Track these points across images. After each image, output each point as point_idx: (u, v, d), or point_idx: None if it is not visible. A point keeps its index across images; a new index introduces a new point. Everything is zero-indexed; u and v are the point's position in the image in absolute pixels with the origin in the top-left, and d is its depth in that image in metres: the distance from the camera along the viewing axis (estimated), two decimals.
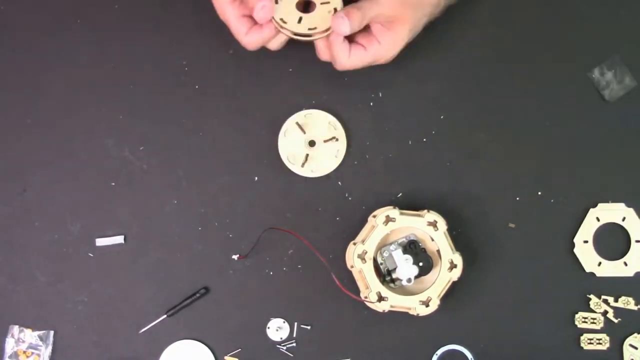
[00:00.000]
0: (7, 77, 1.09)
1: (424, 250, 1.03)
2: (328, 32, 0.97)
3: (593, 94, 1.09)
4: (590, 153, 1.08)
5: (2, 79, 1.09)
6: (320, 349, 1.07)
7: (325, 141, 1.07)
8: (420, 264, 1.02)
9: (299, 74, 1.09)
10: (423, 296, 1.01)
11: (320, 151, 1.07)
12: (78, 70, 1.09)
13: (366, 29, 0.98)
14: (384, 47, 0.98)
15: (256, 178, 1.08)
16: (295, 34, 0.97)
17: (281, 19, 0.97)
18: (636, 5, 1.10)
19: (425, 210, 1.02)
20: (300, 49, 1.01)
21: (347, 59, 0.98)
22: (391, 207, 1.03)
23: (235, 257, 1.06)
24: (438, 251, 1.03)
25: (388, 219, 1.02)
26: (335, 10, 0.98)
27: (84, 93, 1.09)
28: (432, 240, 1.03)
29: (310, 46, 1.00)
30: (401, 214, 1.02)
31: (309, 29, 0.97)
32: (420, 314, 1.01)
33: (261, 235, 1.05)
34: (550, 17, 1.09)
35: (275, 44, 0.99)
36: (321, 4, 0.99)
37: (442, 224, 1.02)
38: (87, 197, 1.08)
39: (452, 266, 1.02)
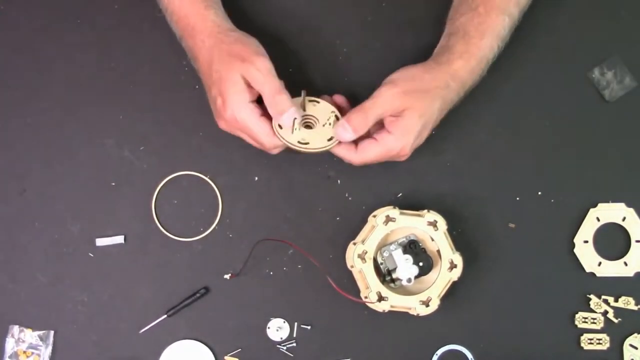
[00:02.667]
0: (7, 77, 1.09)
1: (424, 250, 1.03)
2: (332, 143, 0.98)
3: (593, 94, 1.09)
4: (590, 153, 1.08)
5: (2, 79, 1.09)
6: (320, 349, 1.07)
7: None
8: (420, 264, 1.02)
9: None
10: (423, 296, 1.01)
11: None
12: (78, 70, 1.09)
13: (380, 123, 0.98)
14: (395, 137, 0.97)
15: (256, 178, 1.08)
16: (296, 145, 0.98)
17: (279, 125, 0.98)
18: (636, 5, 1.10)
19: (425, 210, 1.02)
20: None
21: (355, 155, 0.98)
22: (391, 207, 1.03)
23: (227, 276, 1.06)
24: (438, 251, 1.03)
25: (388, 219, 1.02)
26: (337, 117, 0.99)
27: (84, 93, 1.09)
28: (432, 240, 1.03)
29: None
30: (401, 214, 1.02)
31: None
32: (420, 314, 1.01)
33: (253, 248, 1.05)
34: (550, 17, 1.09)
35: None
36: (322, 126, 0.99)
37: (442, 224, 1.02)
38: (87, 197, 1.08)
39: (452, 266, 1.02)
